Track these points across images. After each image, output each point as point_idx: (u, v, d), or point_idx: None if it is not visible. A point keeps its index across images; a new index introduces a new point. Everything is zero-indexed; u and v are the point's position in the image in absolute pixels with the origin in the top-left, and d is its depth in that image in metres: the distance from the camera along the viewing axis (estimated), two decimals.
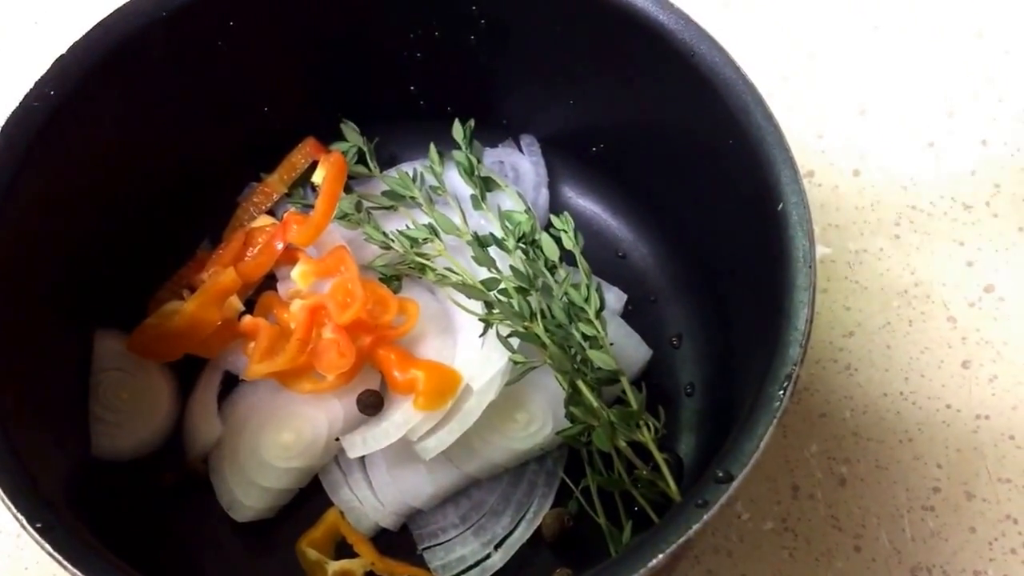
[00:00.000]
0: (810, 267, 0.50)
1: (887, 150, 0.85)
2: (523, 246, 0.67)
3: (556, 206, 0.75)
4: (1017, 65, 0.88)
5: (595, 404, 0.61)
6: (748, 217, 0.57)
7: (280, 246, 0.69)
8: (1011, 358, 0.75)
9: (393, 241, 0.68)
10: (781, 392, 0.47)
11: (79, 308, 0.64)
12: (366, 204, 0.71)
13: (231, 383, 0.68)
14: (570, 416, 0.62)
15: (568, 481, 0.65)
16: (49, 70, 0.58)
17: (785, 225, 0.52)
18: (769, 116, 0.55)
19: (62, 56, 0.59)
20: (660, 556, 0.42)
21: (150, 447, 0.65)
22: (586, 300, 0.64)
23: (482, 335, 0.64)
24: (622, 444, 0.61)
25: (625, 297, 0.72)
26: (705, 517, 0.43)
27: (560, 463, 0.66)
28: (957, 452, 0.72)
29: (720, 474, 0.45)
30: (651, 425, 0.62)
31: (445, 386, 0.63)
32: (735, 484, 0.44)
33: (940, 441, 0.72)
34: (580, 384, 0.62)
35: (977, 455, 0.72)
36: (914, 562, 0.68)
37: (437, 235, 0.68)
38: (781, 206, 0.53)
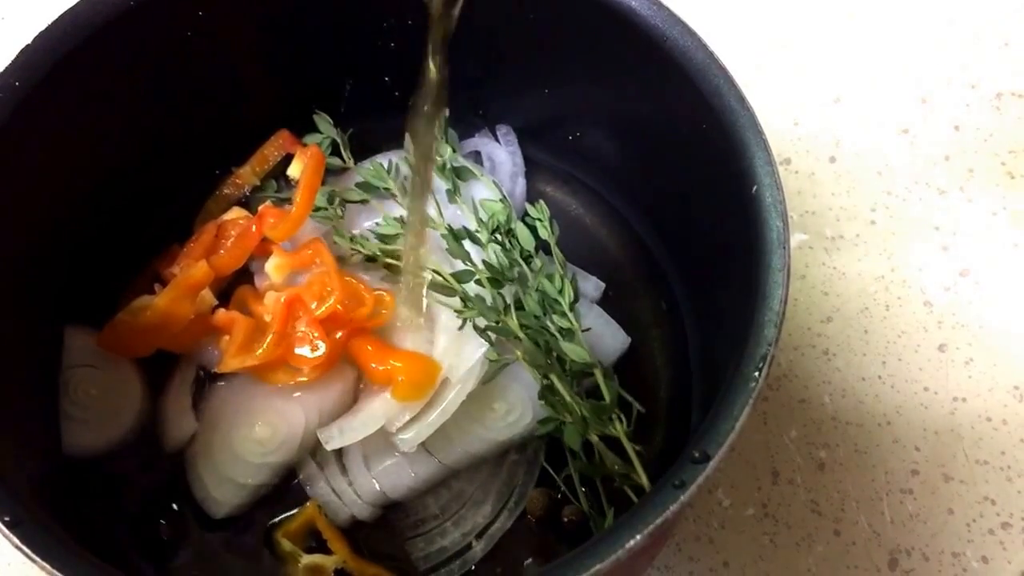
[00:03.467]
0: (784, 248, 0.50)
1: (862, 137, 0.85)
2: (498, 237, 0.67)
3: (533, 196, 0.75)
4: (989, 51, 0.89)
5: (568, 398, 0.61)
6: (724, 201, 0.57)
7: (256, 240, 0.68)
8: (987, 341, 0.76)
9: (363, 245, 0.67)
10: (757, 373, 0.47)
11: (48, 304, 0.63)
12: (340, 197, 0.70)
13: (205, 379, 0.67)
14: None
15: (549, 469, 0.65)
16: (14, 60, 0.57)
17: (759, 207, 0.52)
18: (741, 99, 0.55)
19: (27, 46, 0.57)
20: (638, 537, 0.42)
21: (121, 444, 0.64)
22: (560, 291, 0.64)
23: (460, 328, 0.64)
24: (595, 439, 0.61)
25: (603, 286, 0.72)
26: (682, 498, 0.43)
27: (541, 451, 0.66)
28: (935, 435, 0.72)
29: (697, 454, 0.44)
30: (623, 418, 0.62)
31: (424, 376, 0.62)
32: (712, 464, 0.44)
33: (918, 424, 0.73)
34: (554, 377, 0.61)
35: (954, 437, 0.72)
36: (893, 545, 0.68)
37: None
38: (755, 188, 0.52)
